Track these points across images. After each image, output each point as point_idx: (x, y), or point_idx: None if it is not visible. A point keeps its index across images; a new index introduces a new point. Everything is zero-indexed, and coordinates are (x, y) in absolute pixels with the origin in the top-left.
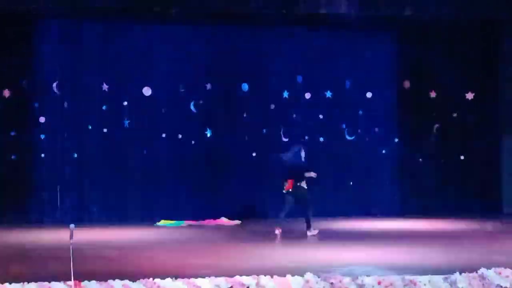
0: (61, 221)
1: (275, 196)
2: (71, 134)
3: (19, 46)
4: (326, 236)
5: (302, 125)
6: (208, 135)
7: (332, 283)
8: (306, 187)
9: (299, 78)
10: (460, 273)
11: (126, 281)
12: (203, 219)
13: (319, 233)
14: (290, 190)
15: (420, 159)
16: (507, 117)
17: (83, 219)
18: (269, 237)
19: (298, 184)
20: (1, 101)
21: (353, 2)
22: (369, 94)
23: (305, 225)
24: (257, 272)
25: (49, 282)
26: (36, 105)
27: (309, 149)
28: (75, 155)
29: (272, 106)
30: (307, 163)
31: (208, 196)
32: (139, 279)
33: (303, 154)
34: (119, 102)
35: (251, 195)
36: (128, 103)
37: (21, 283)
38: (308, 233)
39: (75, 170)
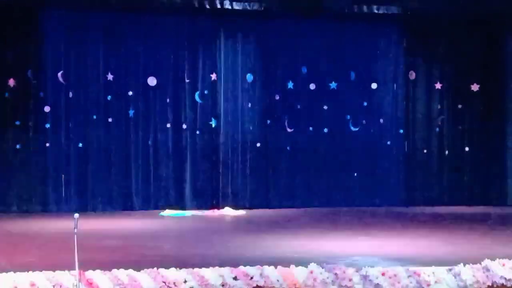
0: (65, 210)
1: (279, 185)
2: (76, 124)
3: (25, 35)
4: (330, 227)
5: (306, 116)
6: (213, 125)
7: (336, 274)
8: None
9: (304, 69)
10: (464, 265)
11: (131, 271)
12: (208, 209)
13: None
14: None
15: (425, 150)
16: None
17: (87, 208)
18: (273, 227)
19: None
20: (7, 90)
21: None
22: (374, 85)
23: None
24: (261, 262)
25: (54, 271)
26: (41, 94)
27: (314, 140)
28: (80, 145)
29: (277, 97)
30: None
31: (213, 185)
32: (143, 269)
33: None
34: (124, 92)
35: (256, 185)
36: (133, 93)
37: (26, 272)
38: None
39: (79, 160)
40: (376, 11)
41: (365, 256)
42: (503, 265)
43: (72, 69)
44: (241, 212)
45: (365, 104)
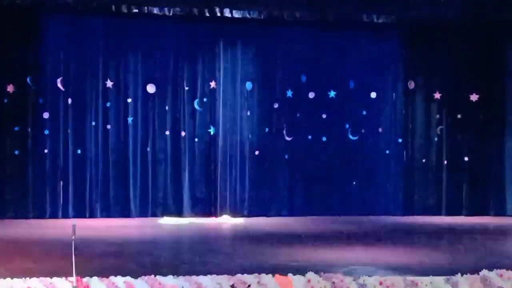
0: (63, 217)
1: (278, 194)
2: (74, 130)
3: (24, 41)
4: (328, 236)
5: (305, 124)
6: (212, 133)
7: (333, 283)
8: None
9: (303, 78)
10: (462, 275)
11: (128, 278)
12: (206, 217)
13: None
14: None
15: (424, 160)
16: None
17: (85, 215)
18: (271, 235)
19: None
20: (5, 96)
21: (359, 2)
22: (373, 94)
23: None
24: (259, 270)
25: (51, 277)
26: (40, 100)
27: (313, 148)
28: (79, 151)
29: (276, 105)
30: None
31: (211, 193)
32: (141, 276)
33: None
34: (123, 99)
35: (254, 193)
36: (132, 100)
37: (23, 278)
38: None
39: (78, 166)
40: (375, 20)
41: (363, 265)
42: (501, 275)
43: (72, 76)
44: (239, 220)
45: (364, 113)
